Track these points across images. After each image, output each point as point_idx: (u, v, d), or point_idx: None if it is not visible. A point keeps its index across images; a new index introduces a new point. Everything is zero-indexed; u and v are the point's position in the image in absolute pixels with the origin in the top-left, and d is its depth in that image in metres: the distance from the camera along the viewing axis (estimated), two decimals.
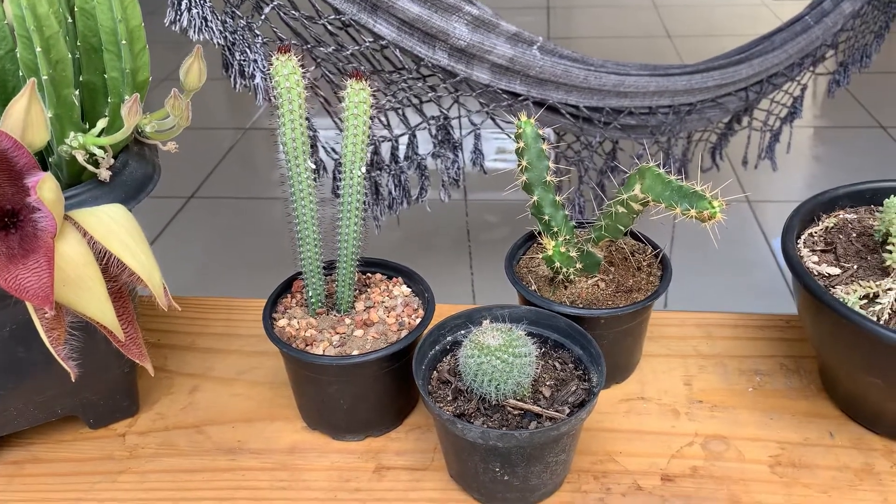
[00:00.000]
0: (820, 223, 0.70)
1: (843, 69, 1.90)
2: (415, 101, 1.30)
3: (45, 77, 0.53)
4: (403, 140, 1.31)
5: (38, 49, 0.52)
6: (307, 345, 0.66)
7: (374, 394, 0.67)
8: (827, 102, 2.74)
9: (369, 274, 0.74)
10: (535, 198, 0.70)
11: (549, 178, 0.69)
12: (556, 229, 0.70)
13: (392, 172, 1.31)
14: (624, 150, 1.60)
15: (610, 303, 0.68)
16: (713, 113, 1.67)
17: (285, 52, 0.60)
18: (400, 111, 1.29)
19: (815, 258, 0.66)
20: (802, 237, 0.69)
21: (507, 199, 2.16)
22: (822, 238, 0.68)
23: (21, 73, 0.55)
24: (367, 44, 1.16)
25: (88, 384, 0.65)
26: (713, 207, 0.57)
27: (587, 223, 0.75)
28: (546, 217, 0.70)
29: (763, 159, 1.84)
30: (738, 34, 2.44)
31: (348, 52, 1.16)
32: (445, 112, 1.32)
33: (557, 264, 0.67)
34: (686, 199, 0.58)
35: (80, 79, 0.59)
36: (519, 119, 0.69)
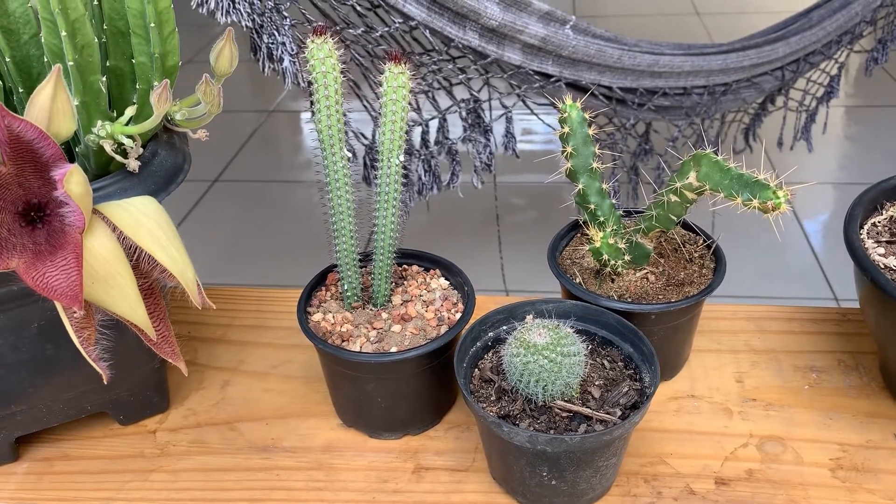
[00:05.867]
0: (884, 212, 0.66)
1: (882, 46, 1.83)
2: (444, 83, 1.26)
3: (71, 63, 0.51)
4: (433, 124, 1.28)
5: (64, 33, 0.49)
6: (343, 340, 0.63)
7: (413, 391, 0.64)
8: (860, 80, 2.66)
9: (405, 266, 0.71)
10: (580, 186, 0.66)
11: (595, 165, 0.66)
12: (602, 219, 0.67)
13: (422, 157, 1.28)
14: (658, 132, 1.56)
15: (661, 297, 0.65)
16: (748, 93, 1.63)
17: (321, 35, 0.57)
18: (430, 94, 1.26)
19: (881, 250, 0.62)
20: (865, 227, 0.65)
21: (533, 182, 2.12)
22: (886, 228, 0.64)
23: (46, 59, 0.52)
24: (397, 25, 1.13)
25: (118, 381, 0.63)
26: (778, 198, 0.53)
27: (635, 212, 0.72)
28: (592, 206, 0.67)
29: (798, 140, 1.79)
30: (770, 11, 2.37)
31: (377, 34, 1.13)
32: (476, 95, 1.29)
33: (605, 256, 0.64)
34: (748, 188, 0.55)
35: (107, 64, 0.56)
36: (563, 102, 0.65)
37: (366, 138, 1.22)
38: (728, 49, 1.49)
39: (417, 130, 1.25)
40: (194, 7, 0.96)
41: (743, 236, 1.73)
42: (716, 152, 0.58)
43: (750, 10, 3.28)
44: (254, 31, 1.01)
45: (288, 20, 1.04)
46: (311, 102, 1.13)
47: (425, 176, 1.26)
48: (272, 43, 1.02)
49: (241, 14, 0.99)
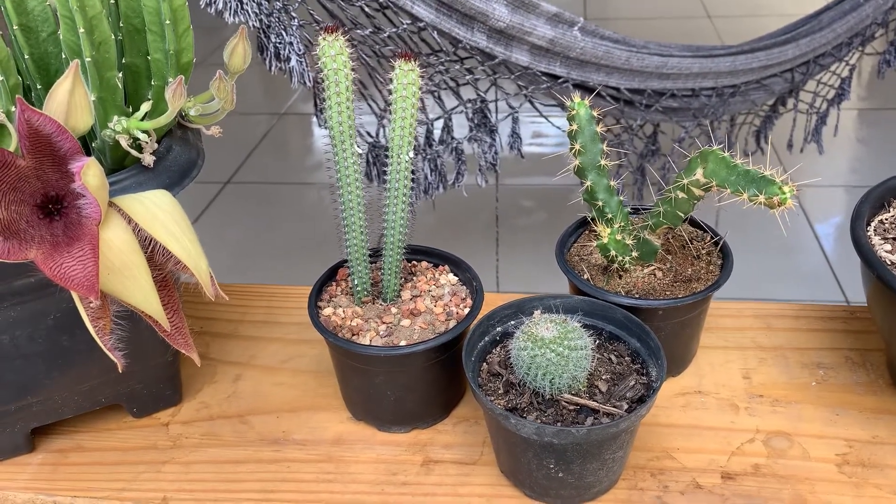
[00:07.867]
0: (891, 209, 0.66)
1: (894, 48, 1.83)
2: (451, 83, 1.27)
3: (88, 59, 0.52)
4: (439, 124, 1.29)
5: (82, 30, 0.50)
6: (353, 334, 0.64)
7: (422, 385, 0.65)
8: (872, 83, 2.65)
9: (415, 262, 0.72)
10: (588, 183, 0.67)
11: (603, 162, 0.66)
12: (610, 216, 0.67)
13: (428, 157, 1.29)
14: (665, 132, 1.56)
15: (668, 293, 0.65)
16: (757, 95, 1.63)
17: (332, 32, 0.58)
18: (436, 94, 1.26)
19: (888, 247, 0.62)
20: (872, 224, 0.65)
21: (542, 184, 2.13)
22: (893, 225, 0.65)
23: (64, 56, 0.53)
24: (405, 26, 1.14)
25: (132, 373, 0.64)
26: (783, 193, 0.54)
27: (643, 209, 0.72)
28: (600, 203, 0.67)
29: (809, 142, 1.79)
30: (781, 13, 2.37)
31: (385, 35, 1.14)
32: (483, 95, 1.29)
33: (613, 252, 0.65)
34: (754, 184, 0.55)
35: (123, 61, 0.58)
36: (572, 100, 0.66)
37: (371, 136, 1.23)
38: (737, 51, 1.49)
39: (423, 130, 1.26)
40: (203, 7, 0.97)
41: (755, 238, 1.73)
42: (722, 150, 0.59)
43: (762, 12, 3.27)
44: (261, 31, 1.02)
45: (296, 20, 1.05)
46: (316, 102, 1.14)
47: (431, 175, 1.27)
48: (280, 42, 1.03)
49: (249, 14, 1.00)
